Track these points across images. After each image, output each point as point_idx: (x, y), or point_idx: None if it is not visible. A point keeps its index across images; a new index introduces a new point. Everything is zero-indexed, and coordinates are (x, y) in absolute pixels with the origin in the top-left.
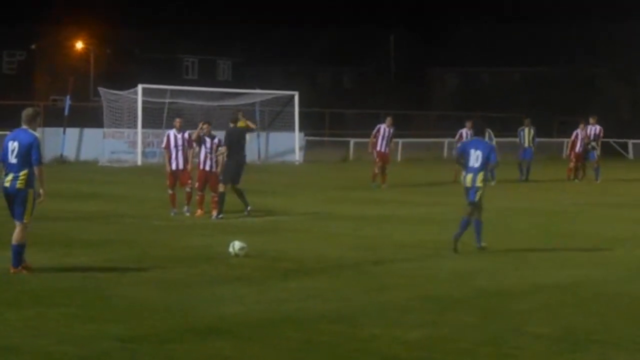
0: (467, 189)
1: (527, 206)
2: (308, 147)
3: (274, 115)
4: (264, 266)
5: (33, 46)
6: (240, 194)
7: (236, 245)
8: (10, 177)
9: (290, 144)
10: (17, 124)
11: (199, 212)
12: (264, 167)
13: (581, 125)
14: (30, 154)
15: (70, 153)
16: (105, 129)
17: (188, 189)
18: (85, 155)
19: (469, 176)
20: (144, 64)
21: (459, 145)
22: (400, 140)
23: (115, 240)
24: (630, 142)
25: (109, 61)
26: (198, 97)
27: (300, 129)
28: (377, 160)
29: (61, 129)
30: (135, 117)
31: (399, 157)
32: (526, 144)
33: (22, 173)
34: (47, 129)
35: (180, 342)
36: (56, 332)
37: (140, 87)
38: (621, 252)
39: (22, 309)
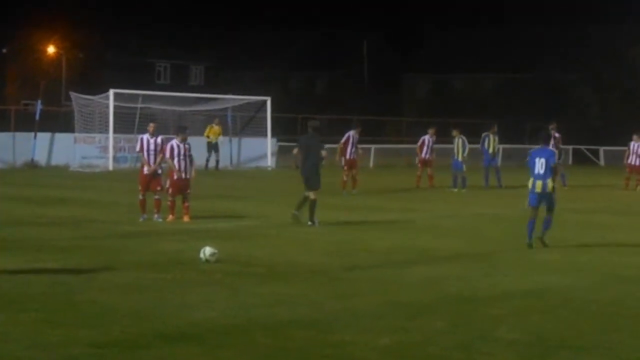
0: (537, 195)
1: (498, 212)
2: (280, 152)
3: (246, 121)
4: (235, 271)
5: (4, 50)
6: (313, 205)
7: (207, 251)
8: None
9: (262, 149)
10: None
11: (170, 217)
12: (236, 173)
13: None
14: None
15: (41, 158)
16: (76, 134)
17: (157, 196)
18: (57, 160)
19: (539, 182)
20: (116, 69)
21: (528, 156)
22: (373, 147)
23: (86, 245)
24: (602, 148)
25: (80, 66)
26: (170, 102)
27: (273, 135)
28: (346, 168)
29: (32, 134)
30: (107, 122)
31: (371, 164)
32: (490, 151)
33: None
34: (18, 134)
35: (151, 348)
36: (26, 337)
37: (112, 91)
38: (591, 258)
39: None
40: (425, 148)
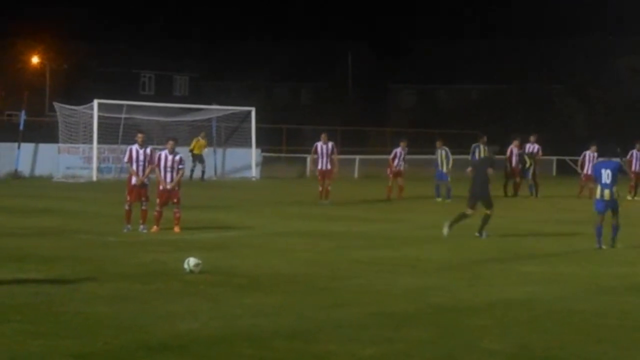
0: (605, 202)
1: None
2: (265, 163)
3: (230, 131)
4: (219, 282)
5: None
6: (486, 219)
7: (191, 262)
8: None
9: (247, 160)
10: None
11: (154, 228)
12: (220, 183)
13: (515, 142)
14: None
15: (25, 168)
16: (60, 144)
17: (144, 207)
18: (40, 171)
19: (606, 191)
20: (101, 79)
21: (593, 167)
22: (357, 157)
23: (69, 256)
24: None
25: (64, 76)
26: (155, 113)
27: (257, 145)
28: (320, 178)
29: (16, 144)
30: (91, 132)
31: (355, 174)
32: None
33: None
34: (2, 144)
35: (134, 359)
36: (8, 348)
37: (96, 102)
38: (575, 268)
39: None
40: (397, 160)
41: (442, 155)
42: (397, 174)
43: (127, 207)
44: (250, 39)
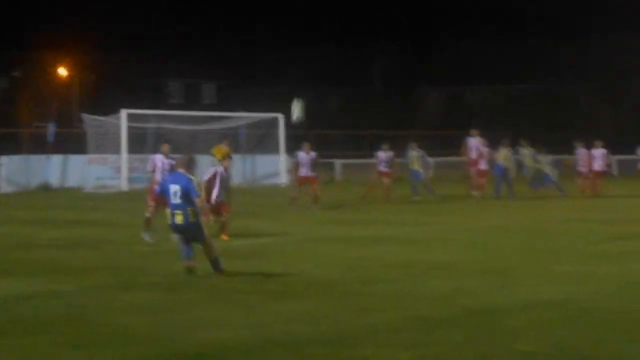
0: None
1: (515, 223)
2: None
3: (259, 138)
4: (251, 289)
5: (16, 73)
6: None
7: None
8: (179, 214)
9: (275, 166)
10: (2, 150)
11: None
12: (250, 190)
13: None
14: (190, 193)
15: (55, 180)
16: (90, 155)
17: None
18: (71, 182)
19: None
20: (128, 89)
21: None
22: None
23: (101, 266)
24: (615, 158)
25: (93, 87)
26: (183, 121)
27: (286, 151)
28: (297, 184)
29: (45, 156)
30: (120, 142)
31: None
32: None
33: (189, 209)
34: (32, 157)
35: None
36: None
37: (124, 112)
38: (608, 267)
39: (8, 338)
40: (382, 163)
41: (415, 156)
42: (385, 175)
43: (148, 215)
44: (276, 45)
